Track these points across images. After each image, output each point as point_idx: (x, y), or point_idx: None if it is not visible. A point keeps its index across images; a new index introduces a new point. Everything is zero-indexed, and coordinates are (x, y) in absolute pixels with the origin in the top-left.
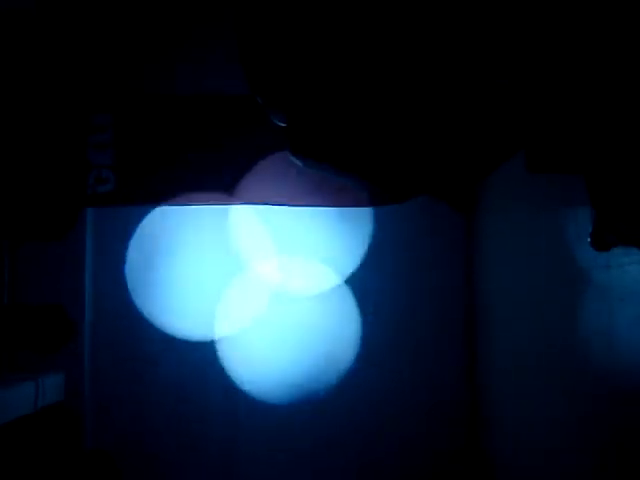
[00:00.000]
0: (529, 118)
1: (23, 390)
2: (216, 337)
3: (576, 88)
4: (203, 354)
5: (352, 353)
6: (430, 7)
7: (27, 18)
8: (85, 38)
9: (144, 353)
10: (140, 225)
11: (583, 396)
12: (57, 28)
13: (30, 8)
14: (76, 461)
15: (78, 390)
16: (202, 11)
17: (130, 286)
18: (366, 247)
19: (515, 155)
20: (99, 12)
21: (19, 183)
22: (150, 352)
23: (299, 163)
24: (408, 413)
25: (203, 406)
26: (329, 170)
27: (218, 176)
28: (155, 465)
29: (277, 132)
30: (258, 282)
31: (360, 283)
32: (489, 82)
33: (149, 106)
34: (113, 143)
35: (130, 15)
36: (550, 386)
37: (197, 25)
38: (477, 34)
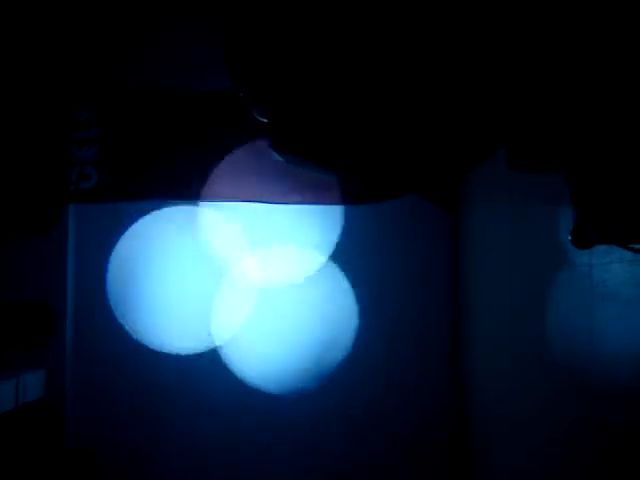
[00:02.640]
0: (511, 115)
1: (3, 387)
2: (202, 331)
3: (559, 86)
4: (187, 350)
5: (337, 353)
6: (417, 3)
7: (10, 12)
8: (70, 33)
9: (127, 350)
10: (123, 222)
11: (564, 394)
12: (41, 22)
13: (13, 3)
14: (57, 459)
15: (59, 387)
16: (188, 6)
17: (112, 283)
18: (350, 246)
19: (499, 151)
20: (83, 6)
21: (0, 179)
22: (133, 349)
23: (282, 159)
24: (393, 411)
25: (187, 403)
26: (312, 166)
27: (203, 173)
28: (137, 463)
29: (262, 129)
30: (242, 280)
31: (343, 282)
32: (475, 77)
33: (135, 102)
34: (97, 139)
35: (115, 9)
36: (531, 384)
37: (183, 20)
38: (463, 29)
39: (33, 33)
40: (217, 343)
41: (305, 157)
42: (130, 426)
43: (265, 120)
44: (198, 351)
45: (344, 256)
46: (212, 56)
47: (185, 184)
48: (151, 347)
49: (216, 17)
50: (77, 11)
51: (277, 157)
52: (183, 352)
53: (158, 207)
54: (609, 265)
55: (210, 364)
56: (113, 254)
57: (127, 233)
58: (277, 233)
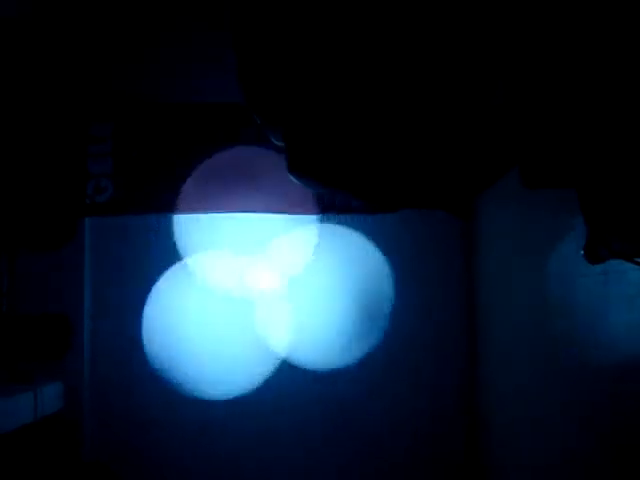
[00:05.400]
0: (522, 135)
1: (22, 400)
2: (214, 346)
3: (570, 106)
4: (204, 363)
5: (351, 358)
6: (427, 23)
7: (25, 26)
8: (84, 47)
9: (144, 362)
10: (139, 234)
11: (582, 402)
12: (56, 37)
13: (28, 16)
14: (74, 471)
15: (77, 399)
16: (204, 20)
17: (129, 296)
18: (365, 254)
19: (514, 166)
20: (99, 20)
21: (18, 192)
22: (150, 361)
23: (297, 181)
24: (406, 419)
25: (203, 416)
26: (328, 188)
27: (218, 185)
28: (154, 476)
29: (279, 151)
30: (255, 287)
31: (359, 290)
32: (484, 102)
33: (149, 115)
34: (112, 152)
35: (130, 24)
36: (549, 392)
37: (199, 34)
38: (476, 49)
39: (47, 49)
40: (231, 355)
41: (322, 181)
42: (147, 439)
43: (281, 143)
44: (214, 363)
45: (359, 264)
46: (229, 69)
47: (200, 196)
48: (169, 358)
49: (230, 29)
50: (91, 26)
51: (294, 180)
52: (200, 364)
53: (174, 219)
54: (624, 274)
55: (226, 375)
56: (129, 267)
57: (143, 246)
58: (291, 240)
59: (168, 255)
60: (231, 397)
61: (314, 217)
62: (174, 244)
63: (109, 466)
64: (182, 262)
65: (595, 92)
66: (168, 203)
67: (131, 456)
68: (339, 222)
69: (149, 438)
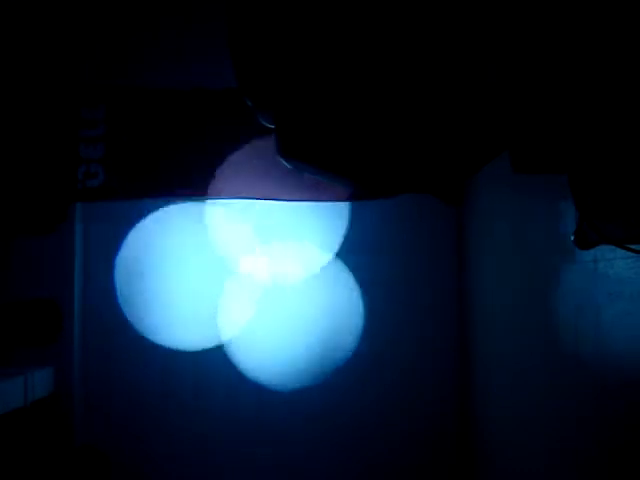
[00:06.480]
0: (512, 119)
1: (12, 384)
2: (209, 328)
3: (560, 90)
4: (195, 346)
5: (341, 351)
6: (420, 7)
7: (15, 10)
8: (76, 30)
9: (134, 347)
10: (130, 219)
11: (570, 392)
12: (48, 20)
13: (20, 2)
14: (66, 455)
15: (68, 384)
16: (197, 4)
17: (120, 280)
18: (355, 243)
19: (504, 150)
20: (90, 4)
21: (8, 177)
22: (140, 345)
23: (287, 165)
24: (397, 411)
25: (196, 400)
26: (318, 172)
27: (209, 171)
28: (145, 459)
29: (266, 129)
30: (248, 277)
31: (349, 280)
32: (477, 81)
33: (141, 100)
34: (104, 137)
35: (123, 7)
36: (538, 382)
37: (192, 18)
38: (467, 34)
39: (40, 33)
40: (224, 339)
41: (312, 164)
42: (138, 423)
43: (271, 126)
44: (206, 347)
45: (349, 253)
46: (221, 54)
47: (191, 182)
48: (159, 344)
49: (222, 15)
50: (84, 8)
51: (284, 163)
52: (191, 348)
53: (165, 204)
54: (614, 261)
55: (218, 360)
56: (120, 251)
57: (134, 230)
58: (283, 231)
59: (159, 239)
60: (222, 379)
61: (303, 204)
62: (165, 228)
63: (100, 450)
64: (173, 245)
65: (588, 76)
66: (158, 189)
67: (122, 440)
68: (328, 212)
69: (140, 422)
